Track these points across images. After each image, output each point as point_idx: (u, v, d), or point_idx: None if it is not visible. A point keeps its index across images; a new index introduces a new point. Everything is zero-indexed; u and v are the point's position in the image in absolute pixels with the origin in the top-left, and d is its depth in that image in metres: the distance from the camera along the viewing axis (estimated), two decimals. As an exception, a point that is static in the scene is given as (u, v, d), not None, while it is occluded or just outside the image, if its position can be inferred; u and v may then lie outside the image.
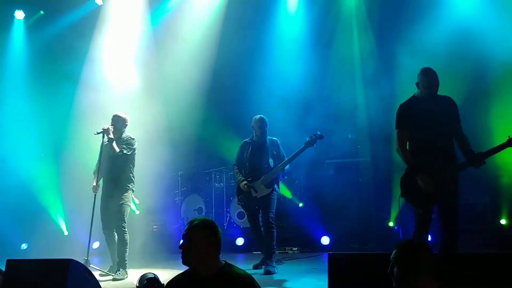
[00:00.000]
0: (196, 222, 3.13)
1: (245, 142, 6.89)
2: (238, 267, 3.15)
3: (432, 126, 4.82)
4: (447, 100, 4.98)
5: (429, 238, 6.96)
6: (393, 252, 2.88)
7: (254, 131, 6.77)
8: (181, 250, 3.09)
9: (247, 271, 3.15)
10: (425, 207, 4.82)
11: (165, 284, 3.34)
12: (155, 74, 9.56)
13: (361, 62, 9.07)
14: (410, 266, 2.76)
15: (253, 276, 3.10)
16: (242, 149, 6.88)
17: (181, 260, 3.10)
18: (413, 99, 5.04)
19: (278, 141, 6.79)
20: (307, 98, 9.04)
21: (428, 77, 4.90)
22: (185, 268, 3.19)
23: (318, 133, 6.43)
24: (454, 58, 7.65)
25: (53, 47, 9.56)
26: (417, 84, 4.97)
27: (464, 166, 4.79)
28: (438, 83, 4.90)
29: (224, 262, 3.13)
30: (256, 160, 6.67)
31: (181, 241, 3.10)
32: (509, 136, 4.57)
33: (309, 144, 6.44)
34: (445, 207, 4.81)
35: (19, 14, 9.98)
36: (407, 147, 4.97)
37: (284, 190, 8.60)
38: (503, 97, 7.55)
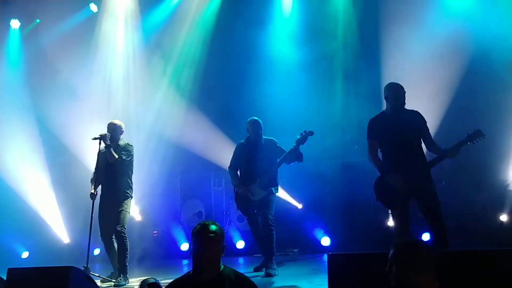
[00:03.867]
0: (214, 228, 3.11)
1: (241, 144, 6.86)
2: (236, 270, 3.16)
3: (398, 135, 5.22)
4: (413, 113, 5.43)
5: (429, 237, 7.04)
6: (391, 251, 2.87)
7: (248, 133, 6.78)
8: (197, 254, 3.08)
9: (247, 274, 3.16)
10: (399, 207, 5.15)
11: None
12: (152, 79, 9.58)
13: (359, 60, 9.07)
14: (408, 265, 2.75)
15: (254, 279, 3.12)
16: (237, 151, 6.86)
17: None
18: (381, 113, 5.52)
19: (275, 140, 6.74)
20: (305, 98, 9.02)
21: (394, 91, 5.34)
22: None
23: (308, 129, 6.46)
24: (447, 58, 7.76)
25: (49, 55, 9.57)
26: (385, 98, 5.39)
27: (435, 161, 5.16)
28: (403, 96, 5.31)
29: (223, 266, 3.15)
30: (252, 163, 6.62)
31: (196, 244, 3.09)
32: (467, 133, 5.02)
33: (300, 141, 6.42)
34: (423, 204, 5.12)
35: (15, 23, 10.00)
36: (378, 155, 5.43)
37: (283, 192, 8.61)
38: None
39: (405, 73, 6.68)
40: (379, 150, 5.43)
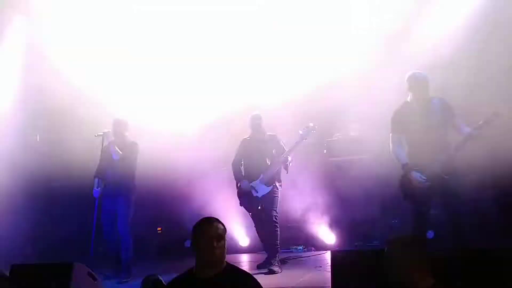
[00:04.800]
0: (217, 224, 3.12)
1: (244, 139, 6.86)
2: (239, 267, 3.15)
3: (424, 127, 5.04)
4: (439, 101, 5.19)
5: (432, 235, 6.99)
6: (387, 248, 2.91)
7: (251, 129, 6.75)
8: (199, 250, 3.08)
9: (251, 271, 3.15)
10: (421, 205, 5.04)
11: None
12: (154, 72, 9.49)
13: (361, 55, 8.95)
14: (404, 261, 2.79)
15: (257, 276, 3.11)
16: (241, 147, 6.85)
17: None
18: (405, 104, 5.29)
19: (278, 137, 6.75)
20: (305, 94, 8.93)
21: (416, 81, 5.15)
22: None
23: (311, 124, 6.44)
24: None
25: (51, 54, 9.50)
26: (409, 88, 5.22)
27: (459, 146, 4.98)
28: (427, 85, 5.14)
29: (226, 263, 3.13)
30: (255, 159, 6.63)
31: (199, 240, 3.09)
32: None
33: (303, 136, 6.43)
34: (444, 201, 5.04)
35: (19, 19, 9.96)
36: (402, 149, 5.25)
37: (287, 188, 8.57)
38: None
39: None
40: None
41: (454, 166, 5.00)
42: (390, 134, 5.28)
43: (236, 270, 3.10)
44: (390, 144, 5.27)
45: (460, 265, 3.62)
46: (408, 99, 5.24)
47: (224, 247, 3.08)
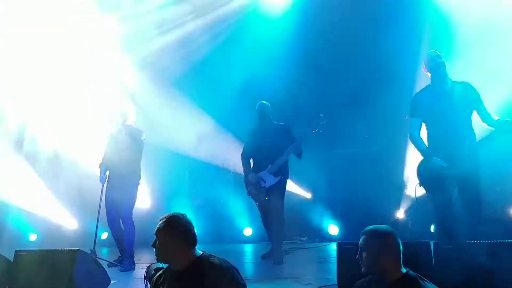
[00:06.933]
0: (160, 221, 3.11)
1: (253, 130, 6.81)
2: (217, 256, 3.07)
3: (444, 112, 4.81)
4: (463, 85, 4.92)
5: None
6: (361, 239, 2.97)
7: (259, 118, 6.68)
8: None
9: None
10: (443, 193, 4.79)
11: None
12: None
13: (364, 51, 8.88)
14: (379, 251, 2.86)
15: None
16: (250, 137, 6.81)
17: None
18: (426, 87, 5.04)
19: (287, 126, 6.66)
20: (312, 86, 8.86)
21: (427, 61, 4.92)
22: None
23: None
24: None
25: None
26: (424, 70, 4.99)
27: (488, 140, 4.91)
28: (441, 65, 4.84)
29: (200, 253, 3.09)
30: (263, 149, 6.54)
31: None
32: None
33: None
34: (464, 189, 4.80)
35: None
36: (421, 134, 5.02)
37: (292, 180, 8.56)
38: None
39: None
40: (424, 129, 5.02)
41: (477, 157, 4.80)
42: (409, 118, 5.06)
43: (207, 260, 3.02)
44: (409, 129, 5.04)
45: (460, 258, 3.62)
46: (430, 82, 4.99)
47: (164, 249, 3.04)
